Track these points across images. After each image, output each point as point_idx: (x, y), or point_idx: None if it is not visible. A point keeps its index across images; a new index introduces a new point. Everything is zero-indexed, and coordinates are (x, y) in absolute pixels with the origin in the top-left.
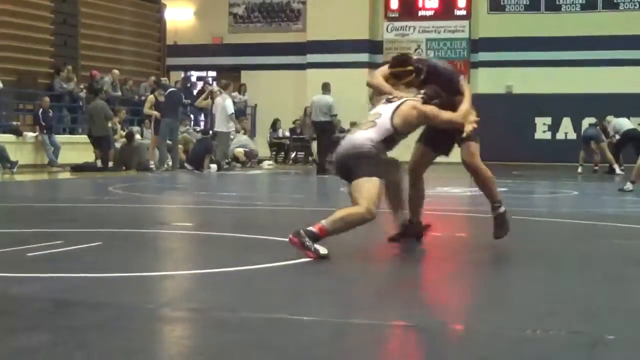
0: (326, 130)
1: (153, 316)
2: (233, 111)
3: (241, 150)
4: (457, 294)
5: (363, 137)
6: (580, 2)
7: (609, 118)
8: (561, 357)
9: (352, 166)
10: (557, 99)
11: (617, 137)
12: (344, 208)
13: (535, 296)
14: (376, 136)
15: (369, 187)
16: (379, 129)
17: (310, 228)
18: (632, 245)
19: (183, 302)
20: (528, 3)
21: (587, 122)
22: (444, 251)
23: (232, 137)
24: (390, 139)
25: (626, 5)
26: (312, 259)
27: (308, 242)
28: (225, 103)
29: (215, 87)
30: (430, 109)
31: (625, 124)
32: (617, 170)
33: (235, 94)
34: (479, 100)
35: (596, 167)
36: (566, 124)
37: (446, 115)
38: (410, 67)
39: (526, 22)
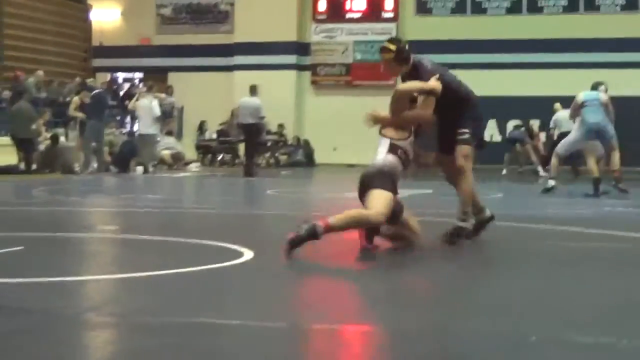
0: (253, 133)
1: (76, 321)
2: (160, 113)
3: (168, 152)
4: (382, 295)
5: (377, 158)
6: (506, 5)
7: (557, 106)
8: (484, 356)
9: (368, 181)
10: (482, 102)
11: (556, 132)
12: (354, 209)
13: (460, 295)
14: (383, 152)
15: (380, 195)
16: (382, 146)
17: (315, 222)
18: (554, 245)
19: (107, 307)
20: (454, 6)
21: (512, 124)
22: (369, 253)
23: (158, 139)
24: (395, 148)
25: (550, 10)
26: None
27: (299, 229)
28: (151, 105)
29: (141, 88)
30: (396, 88)
31: (564, 123)
32: (541, 173)
33: (163, 95)
34: None
35: (521, 169)
36: (491, 126)
37: (411, 84)
38: (393, 46)
39: (452, 25)
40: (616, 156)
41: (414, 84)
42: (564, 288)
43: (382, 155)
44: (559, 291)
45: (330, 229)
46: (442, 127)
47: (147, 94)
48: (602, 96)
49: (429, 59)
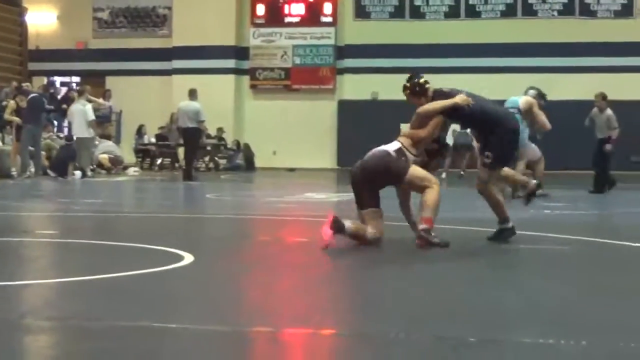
0: (193, 137)
1: (15, 326)
2: (93, 116)
3: (105, 156)
4: (322, 299)
5: (379, 149)
6: (444, 10)
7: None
8: (423, 358)
9: (374, 170)
10: None
11: None
12: (423, 196)
13: (400, 299)
14: (390, 148)
15: (417, 171)
16: (390, 145)
17: (423, 226)
18: (493, 248)
19: (46, 311)
20: (393, 10)
21: (451, 128)
22: (309, 256)
23: (97, 142)
24: (402, 153)
25: (487, 14)
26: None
27: (434, 239)
28: (85, 108)
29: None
30: (417, 110)
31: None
32: None
33: (101, 100)
34: (344, 106)
35: (462, 172)
36: None
37: (433, 104)
38: (408, 83)
39: (391, 29)
40: (520, 165)
41: (435, 104)
42: (504, 290)
43: (385, 148)
44: (498, 293)
45: (431, 222)
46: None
47: (79, 98)
48: (521, 102)
49: (447, 87)
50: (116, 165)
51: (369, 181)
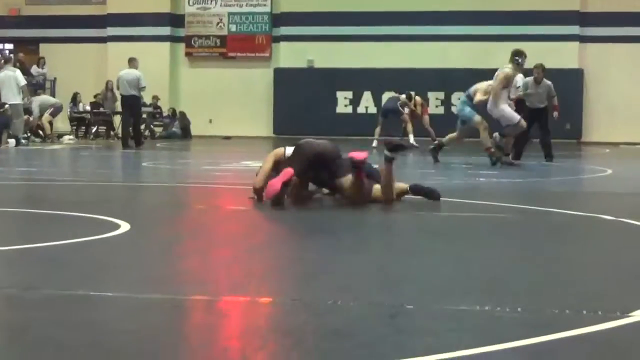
0: (135, 104)
1: None
2: (25, 82)
3: (48, 117)
4: (259, 267)
5: None
6: None
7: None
8: (363, 327)
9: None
10: (358, 74)
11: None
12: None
13: (337, 268)
14: None
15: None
16: None
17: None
18: (431, 216)
19: None
20: None
21: (386, 96)
22: (246, 225)
23: (27, 101)
24: None
25: None
26: None
27: None
28: (15, 74)
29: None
30: None
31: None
32: (411, 140)
33: (34, 67)
34: (280, 74)
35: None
36: (367, 97)
37: None
38: None
39: None
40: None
41: None
42: (441, 258)
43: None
44: (435, 261)
45: None
46: None
47: (6, 65)
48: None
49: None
50: (59, 113)
51: (322, 164)
